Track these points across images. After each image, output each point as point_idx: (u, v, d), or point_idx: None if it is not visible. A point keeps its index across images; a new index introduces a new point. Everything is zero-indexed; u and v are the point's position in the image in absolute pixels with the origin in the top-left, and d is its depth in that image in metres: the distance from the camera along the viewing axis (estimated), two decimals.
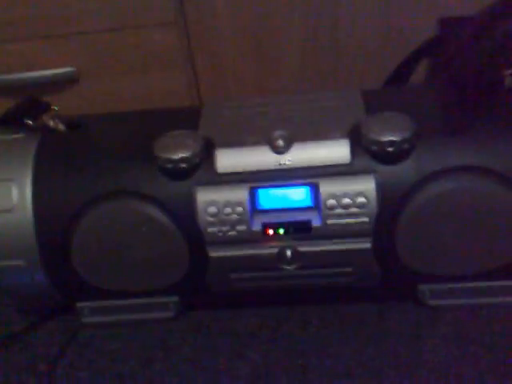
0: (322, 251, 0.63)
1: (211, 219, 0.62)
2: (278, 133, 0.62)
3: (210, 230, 0.62)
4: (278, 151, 0.62)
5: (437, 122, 0.63)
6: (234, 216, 0.61)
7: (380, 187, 0.60)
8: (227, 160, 0.62)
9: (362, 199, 0.60)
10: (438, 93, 0.68)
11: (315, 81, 0.90)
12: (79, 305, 0.71)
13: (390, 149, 0.59)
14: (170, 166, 0.61)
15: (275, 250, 0.63)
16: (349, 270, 0.64)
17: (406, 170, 0.60)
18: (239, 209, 0.61)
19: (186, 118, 0.68)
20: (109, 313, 0.71)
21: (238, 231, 0.62)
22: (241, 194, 0.61)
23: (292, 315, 0.71)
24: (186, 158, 0.61)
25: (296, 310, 0.71)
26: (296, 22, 0.86)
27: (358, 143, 0.61)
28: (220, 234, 0.62)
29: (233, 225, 0.62)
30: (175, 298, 0.70)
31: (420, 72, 0.84)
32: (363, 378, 0.63)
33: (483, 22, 0.63)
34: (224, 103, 0.70)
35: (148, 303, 0.70)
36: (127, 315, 0.71)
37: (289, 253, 0.63)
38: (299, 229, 0.62)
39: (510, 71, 0.61)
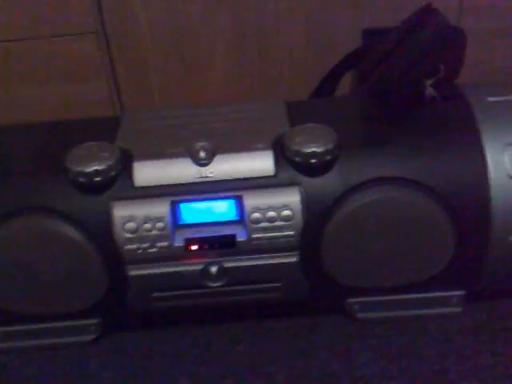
0: (248, 266, 0.60)
1: (130, 236, 0.58)
2: (199, 144, 0.60)
3: (128, 247, 0.58)
4: (200, 163, 0.59)
5: (359, 134, 0.63)
6: (155, 232, 0.58)
7: (305, 199, 0.59)
8: (146, 172, 0.59)
9: (287, 212, 0.58)
10: (360, 105, 0.67)
11: (241, 90, 0.89)
12: None
13: (313, 160, 0.58)
14: (83, 179, 0.57)
15: (199, 267, 0.60)
16: (276, 284, 0.62)
17: (330, 182, 0.59)
18: (160, 224, 0.58)
19: (103, 129, 0.65)
20: (24, 337, 0.66)
21: (159, 248, 0.59)
22: (161, 208, 0.58)
23: (222, 333, 0.68)
24: (101, 170, 0.57)
25: (226, 327, 0.68)
26: (220, 31, 0.84)
27: (282, 155, 0.59)
28: (140, 252, 0.59)
29: (153, 241, 0.58)
30: (95, 320, 0.66)
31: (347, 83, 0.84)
32: None
33: (400, 33, 0.63)
34: (144, 113, 0.67)
35: (66, 326, 0.66)
36: (43, 340, 0.66)
37: (214, 269, 0.60)
38: (224, 244, 0.59)
39: (429, 81, 0.61)
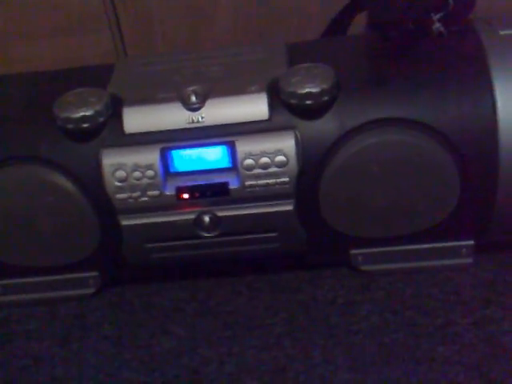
0: (242, 215, 0.58)
1: (120, 184, 0.56)
2: (190, 88, 0.57)
3: (119, 196, 0.57)
4: (191, 108, 0.57)
5: (360, 73, 0.59)
6: (145, 180, 0.56)
7: (300, 144, 0.56)
8: (135, 119, 0.57)
9: (281, 158, 0.56)
10: (364, 43, 0.63)
11: (250, 37, 0.85)
12: None
13: (309, 102, 0.55)
14: (70, 126, 0.56)
15: (192, 216, 0.58)
16: (272, 234, 0.60)
17: (327, 125, 0.55)
18: (150, 172, 0.56)
19: (96, 76, 0.63)
20: (23, 291, 0.66)
21: (150, 197, 0.57)
22: (151, 155, 0.56)
23: (221, 286, 0.67)
24: (88, 116, 0.55)
25: (225, 280, 0.67)
26: None
27: (277, 97, 0.56)
28: (131, 201, 0.57)
29: (144, 190, 0.57)
30: (94, 273, 0.65)
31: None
32: (293, 348, 0.59)
33: None
34: (138, 60, 0.65)
35: (65, 279, 0.65)
36: (43, 293, 0.66)
37: (207, 218, 0.58)
38: (216, 192, 0.57)
39: (437, 16, 0.57)
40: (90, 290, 0.66)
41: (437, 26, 0.57)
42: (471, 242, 0.62)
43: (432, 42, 0.58)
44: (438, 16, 0.57)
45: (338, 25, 0.77)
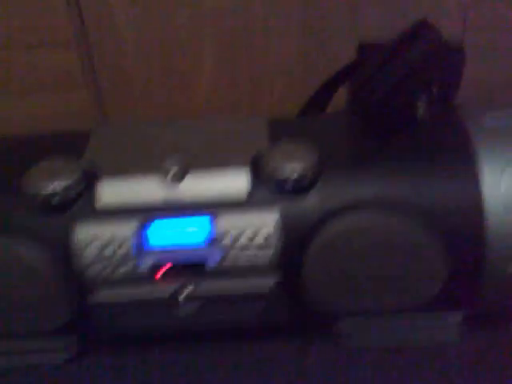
0: (220, 292, 0.55)
1: (91, 259, 0.53)
2: (170, 160, 0.56)
3: (90, 271, 0.54)
4: (170, 181, 0.54)
5: (343, 154, 0.58)
6: (118, 256, 0.54)
7: (282, 222, 0.54)
8: (111, 190, 0.54)
9: (262, 235, 0.54)
10: (347, 123, 0.62)
11: (229, 104, 0.84)
12: None
13: (292, 179, 0.53)
14: (41, 200, 0.53)
15: (167, 293, 0.55)
16: (252, 311, 0.57)
17: (310, 203, 0.54)
18: (124, 247, 0.53)
19: (70, 144, 0.60)
20: None
21: (123, 273, 0.54)
22: (126, 229, 0.54)
23: (202, 358, 0.63)
24: (60, 190, 0.53)
25: (206, 352, 0.63)
26: (208, 39, 0.80)
27: (259, 173, 0.55)
28: (102, 277, 0.54)
29: (117, 266, 0.54)
30: (71, 338, 0.61)
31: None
32: None
33: (395, 45, 0.58)
34: (115, 128, 0.63)
35: (39, 345, 0.61)
36: (17, 359, 0.62)
37: (183, 296, 0.55)
38: (194, 268, 0.55)
39: (420, 102, 0.56)
40: (64, 357, 0.62)
41: (420, 111, 0.56)
42: (459, 317, 0.60)
43: (416, 126, 0.58)
44: (421, 102, 0.56)
45: (319, 100, 0.77)
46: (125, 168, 0.56)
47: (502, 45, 0.80)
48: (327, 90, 0.77)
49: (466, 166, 0.55)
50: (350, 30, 0.79)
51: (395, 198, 0.54)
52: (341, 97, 0.82)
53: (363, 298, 0.57)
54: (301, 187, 0.54)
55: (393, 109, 0.57)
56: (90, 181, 0.55)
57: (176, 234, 0.55)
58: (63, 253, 0.53)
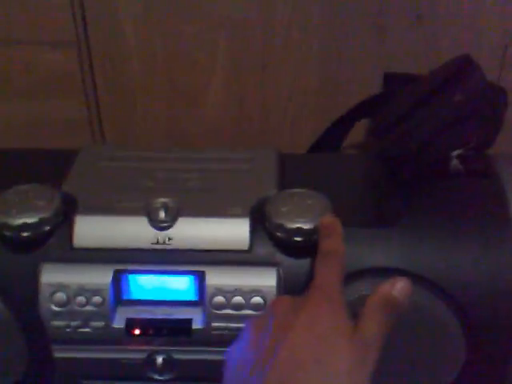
0: (203, 360, 0.48)
1: (58, 309, 0.46)
2: (161, 200, 0.48)
3: (55, 323, 0.46)
4: (158, 225, 0.47)
5: (359, 209, 0.51)
6: (90, 307, 0.46)
7: (282, 285, 0.46)
8: (89, 230, 0.47)
9: (258, 298, 0.46)
10: (369, 170, 0.55)
11: (237, 129, 0.77)
12: None
13: (298, 238, 0.46)
14: (8, 233, 0.46)
15: (142, 356, 0.48)
16: None
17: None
18: (97, 298, 0.46)
19: (52, 165, 0.54)
20: None
21: (94, 328, 0.47)
22: (101, 277, 0.46)
23: None
24: (32, 224, 0.46)
25: None
26: (218, 57, 0.72)
27: (261, 226, 0.47)
28: (68, 330, 0.46)
29: (87, 319, 0.46)
30: None
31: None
32: None
33: (429, 86, 0.51)
34: (106, 150, 0.56)
35: None
36: None
37: (160, 360, 0.48)
38: (176, 330, 0.47)
39: (456, 152, 0.49)
40: None
41: (455, 163, 0.49)
42: None
43: (448, 181, 0.50)
44: (456, 152, 0.49)
45: (335, 133, 0.69)
46: (109, 203, 0.49)
47: None
48: (345, 122, 0.70)
49: (499, 235, 0.47)
50: (376, 57, 0.71)
51: (417, 268, 0.46)
52: (358, 132, 0.76)
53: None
54: (307, 247, 0.46)
55: (424, 160, 0.50)
56: (68, 214, 0.47)
57: (159, 288, 0.48)
58: (27, 297, 0.46)
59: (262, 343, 0.37)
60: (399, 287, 0.39)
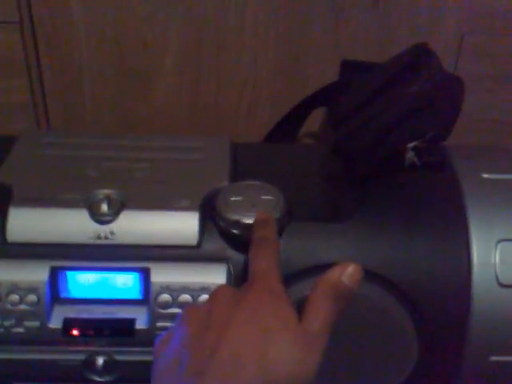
0: (146, 361, 0.45)
1: None
2: (103, 192, 0.45)
3: None
4: (100, 219, 0.44)
5: (314, 202, 0.48)
6: (24, 306, 0.43)
7: (233, 282, 0.44)
8: (24, 223, 0.44)
9: (207, 297, 0.44)
10: (324, 161, 0.53)
11: (189, 114, 0.74)
12: None
13: (249, 233, 0.43)
14: None
15: (81, 357, 0.45)
16: None
17: None
18: (32, 296, 0.43)
19: None
20: None
21: (28, 328, 0.43)
22: (36, 274, 0.43)
23: None
24: None
25: None
26: (171, 38, 0.69)
27: (211, 220, 0.45)
28: (0, 330, 0.43)
29: (20, 318, 0.43)
30: None
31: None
32: None
33: (384, 76, 0.49)
34: (48, 136, 0.52)
35: None
36: None
37: (100, 361, 0.45)
38: (118, 330, 0.44)
39: (412, 144, 0.47)
40: None
41: (410, 155, 0.47)
42: None
43: (403, 174, 0.48)
44: (412, 145, 0.47)
45: (291, 121, 0.67)
46: (48, 194, 0.45)
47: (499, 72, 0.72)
48: (302, 110, 0.68)
49: (454, 231, 0.46)
50: (333, 43, 0.69)
51: (370, 264, 0.44)
52: (315, 120, 0.74)
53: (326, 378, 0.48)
54: None
55: (382, 152, 0.48)
56: (1, 206, 0.44)
57: (100, 286, 0.45)
58: None
59: (201, 340, 0.34)
60: (349, 273, 0.36)
